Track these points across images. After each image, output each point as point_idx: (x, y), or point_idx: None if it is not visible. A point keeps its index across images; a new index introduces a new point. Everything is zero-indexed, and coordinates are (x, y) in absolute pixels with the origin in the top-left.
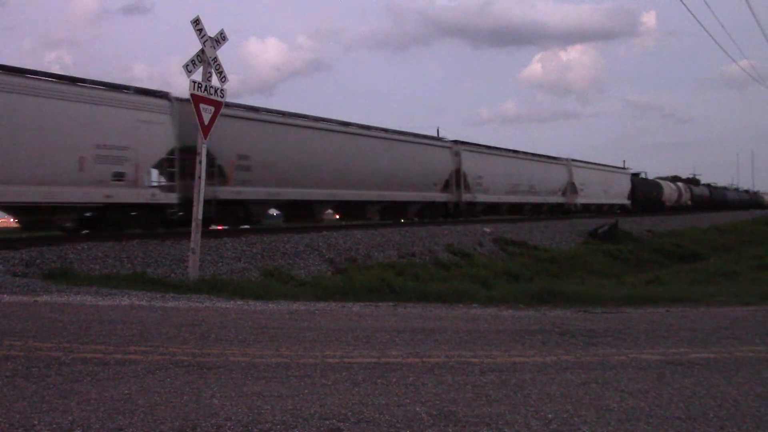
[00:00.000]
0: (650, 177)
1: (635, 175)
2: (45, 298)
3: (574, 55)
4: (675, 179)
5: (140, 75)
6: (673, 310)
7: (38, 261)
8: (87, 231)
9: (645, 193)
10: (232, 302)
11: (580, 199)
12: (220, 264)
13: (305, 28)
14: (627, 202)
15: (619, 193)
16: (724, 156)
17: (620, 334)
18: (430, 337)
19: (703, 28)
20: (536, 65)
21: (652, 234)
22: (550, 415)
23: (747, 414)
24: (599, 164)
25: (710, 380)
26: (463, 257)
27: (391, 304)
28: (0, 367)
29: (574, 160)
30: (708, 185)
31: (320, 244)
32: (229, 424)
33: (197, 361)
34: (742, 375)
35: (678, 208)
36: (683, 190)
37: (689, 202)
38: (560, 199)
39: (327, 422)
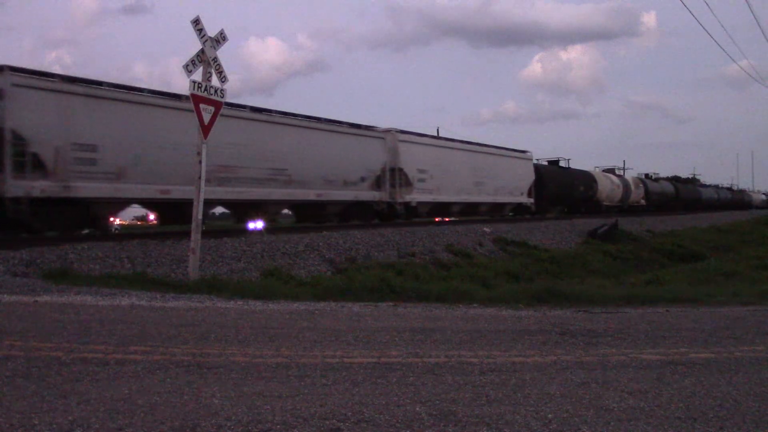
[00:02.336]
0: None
1: (553, 163)
2: (45, 298)
3: (574, 55)
4: (612, 171)
5: (140, 75)
6: (673, 310)
7: (38, 261)
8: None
9: (564, 189)
10: (232, 302)
11: (418, 195)
12: (220, 264)
13: (305, 28)
14: (527, 200)
15: (511, 187)
16: (724, 156)
17: (620, 334)
18: (430, 337)
19: (703, 28)
20: (536, 65)
21: (652, 234)
22: (550, 415)
23: (747, 414)
24: (462, 141)
25: (710, 380)
26: (463, 257)
27: (391, 304)
28: (0, 367)
29: (401, 132)
30: (676, 180)
31: (320, 244)
32: (229, 424)
33: (197, 361)
34: (742, 375)
35: (626, 209)
36: (632, 187)
37: (642, 201)
38: (522, 199)
39: (327, 422)
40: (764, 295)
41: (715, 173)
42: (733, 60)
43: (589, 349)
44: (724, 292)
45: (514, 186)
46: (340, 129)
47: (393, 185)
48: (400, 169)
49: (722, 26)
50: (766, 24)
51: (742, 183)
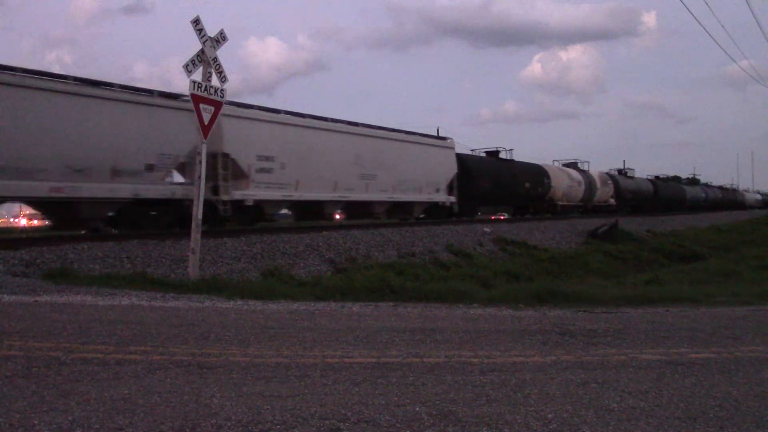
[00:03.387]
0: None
1: (492, 154)
2: (45, 298)
3: (574, 55)
4: (574, 165)
5: (140, 75)
6: (673, 310)
7: (38, 261)
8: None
9: (502, 185)
10: (232, 302)
11: (258, 191)
12: (220, 264)
13: (305, 28)
14: (445, 198)
15: (421, 182)
16: (724, 156)
17: (620, 334)
18: (430, 337)
19: (703, 28)
20: (536, 65)
21: (652, 234)
22: (550, 415)
23: (747, 414)
24: (338, 121)
25: (710, 380)
26: (463, 257)
27: (391, 304)
28: (0, 367)
29: (231, 104)
30: (656, 179)
31: (320, 244)
32: (229, 424)
33: (197, 361)
34: (742, 375)
35: (590, 210)
36: (597, 184)
37: (611, 201)
38: (439, 197)
39: (327, 422)
40: (764, 295)
41: (715, 173)
42: (733, 60)
43: (589, 349)
44: (724, 292)
45: (427, 181)
46: (126, 97)
47: (217, 178)
48: (226, 155)
49: (722, 26)
50: (766, 24)
51: (743, 183)
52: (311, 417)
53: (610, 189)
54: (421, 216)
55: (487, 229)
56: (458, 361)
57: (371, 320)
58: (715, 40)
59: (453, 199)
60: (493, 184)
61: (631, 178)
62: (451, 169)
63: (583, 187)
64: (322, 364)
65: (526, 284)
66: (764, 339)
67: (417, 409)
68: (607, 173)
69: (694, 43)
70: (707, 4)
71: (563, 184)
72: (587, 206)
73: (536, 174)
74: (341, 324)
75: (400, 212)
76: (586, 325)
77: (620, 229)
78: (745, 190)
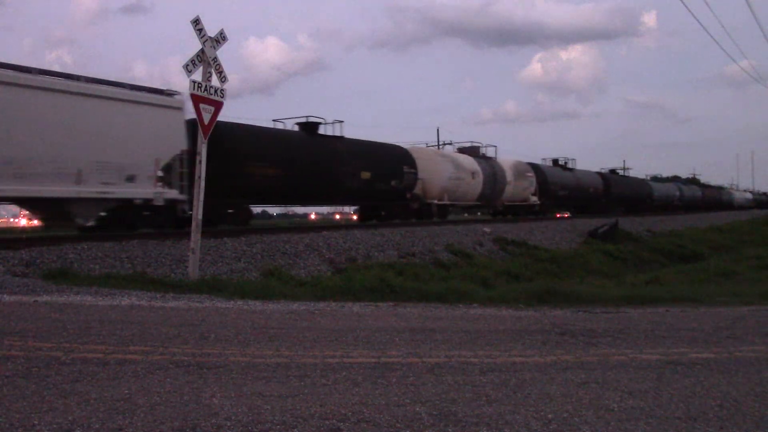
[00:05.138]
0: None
1: (306, 127)
2: (45, 298)
3: (575, 54)
4: (475, 151)
5: (140, 74)
6: (673, 310)
7: (38, 261)
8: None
9: (317, 175)
10: (232, 302)
11: None
12: (220, 264)
13: (305, 28)
14: (158, 191)
15: (86, 162)
16: (724, 156)
17: (620, 334)
18: (430, 337)
19: (703, 28)
20: (536, 65)
21: (653, 234)
22: (550, 415)
23: (747, 414)
24: None
25: (710, 380)
26: (463, 257)
27: (391, 304)
28: (0, 367)
29: None
30: (611, 172)
31: (320, 244)
32: (229, 424)
33: (197, 361)
34: (742, 375)
35: (500, 212)
36: (508, 177)
37: (534, 199)
38: (143, 191)
39: (327, 422)
40: (764, 295)
41: (715, 173)
42: (733, 60)
43: (589, 349)
44: (724, 292)
45: (106, 161)
46: None
47: None
48: None
49: (722, 26)
50: (766, 24)
51: (743, 183)
52: (311, 417)
53: (530, 184)
54: (92, 224)
55: (487, 229)
56: (458, 361)
57: (371, 320)
58: (715, 40)
59: (178, 193)
60: (291, 170)
61: (571, 170)
62: (178, 143)
63: (480, 179)
64: (322, 364)
65: (526, 284)
66: (764, 339)
67: (417, 409)
68: (530, 164)
69: (694, 43)
70: (707, 4)
71: (441, 175)
72: (493, 205)
73: (387, 159)
74: (341, 324)
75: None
76: (586, 325)
77: (620, 229)
78: (734, 189)
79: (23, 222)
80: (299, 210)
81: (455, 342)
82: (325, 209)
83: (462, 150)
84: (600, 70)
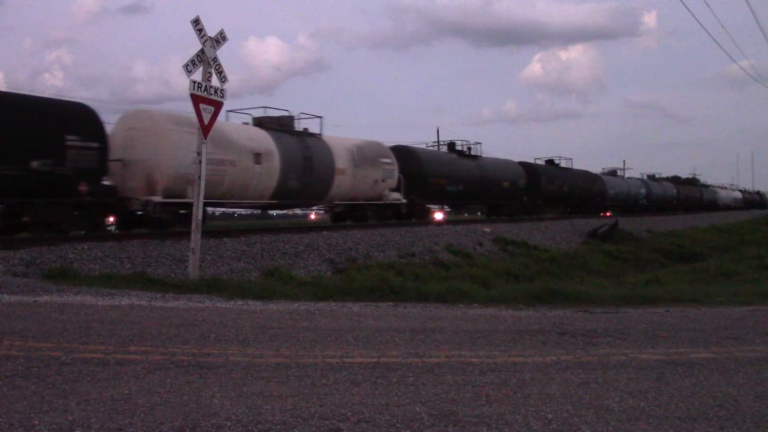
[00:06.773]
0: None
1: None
2: (45, 298)
3: (575, 54)
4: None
5: (140, 75)
6: (673, 310)
7: (38, 261)
8: None
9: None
10: (232, 302)
11: None
12: (220, 264)
13: (305, 28)
14: None
15: None
16: (724, 156)
17: (620, 334)
18: (430, 337)
19: (703, 28)
20: (536, 65)
21: (652, 234)
22: (550, 415)
23: (747, 414)
24: None
25: (710, 380)
26: (463, 257)
27: (391, 304)
28: (0, 367)
29: None
30: (549, 163)
31: (320, 244)
32: (229, 424)
33: (197, 361)
34: (742, 375)
35: (365, 213)
36: (333, 162)
37: (396, 196)
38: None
39: (327, 422)
40: (764, 295)
41: (715, 173)
42: (733, 60)
43: (589, 349)
44: (724, 292)
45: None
46: None
47: None
48: None
49: (722, 26)
50: (766, 24)
51: (743, 183)
52: (311, 417)
53: (387, 175)
54: None
55: (487, 229)
56: (458, 361)
57: (371, 320)
58: (715, 40)
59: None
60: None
61: (474, 157)
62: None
63: (276, 164)
64: (322, 364)
65: (526, 284)
66: (764, 339)
67: (417, 409)
68: (391, 147)
69: (694, 43)
70: (707, 4)
71: (175, 153)
72: (311, 204)
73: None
74: (341, 324)
75: None
76: (586, 325)
77: (620, 229)
78: (722, 187)
79: None
80: (299, 210)
81: (455, 342)
82: None
83: (261, 121)
84: (600, 70)
